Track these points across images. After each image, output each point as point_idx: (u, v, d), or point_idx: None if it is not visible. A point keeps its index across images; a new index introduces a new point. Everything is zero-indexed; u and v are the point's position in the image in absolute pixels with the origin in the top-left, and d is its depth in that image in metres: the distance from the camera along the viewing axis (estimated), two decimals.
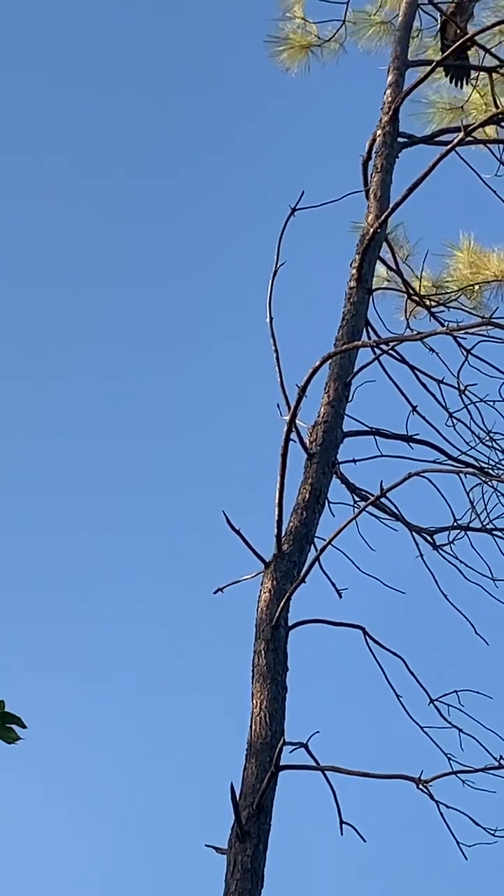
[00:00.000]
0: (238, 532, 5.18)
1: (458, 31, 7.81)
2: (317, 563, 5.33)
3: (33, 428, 12.07)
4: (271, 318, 5.82)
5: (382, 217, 6.52)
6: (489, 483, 5.98)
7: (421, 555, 6.17)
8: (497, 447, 6.48)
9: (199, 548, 10.16)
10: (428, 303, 7.22)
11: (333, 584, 5.65)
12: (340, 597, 5.64)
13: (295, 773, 4.78)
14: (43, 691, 9.84)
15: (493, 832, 5.06)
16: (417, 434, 6.18)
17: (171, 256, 12.61)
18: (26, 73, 13.32)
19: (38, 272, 12.67)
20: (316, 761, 4.77)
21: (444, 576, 6.09)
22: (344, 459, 6.00)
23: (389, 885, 8.37)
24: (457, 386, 6.49)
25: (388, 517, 6.18)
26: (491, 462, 6.42)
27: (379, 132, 7.00)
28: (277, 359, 5.73)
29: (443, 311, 7.23)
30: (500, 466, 6.43)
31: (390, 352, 6.23)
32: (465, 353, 6.46)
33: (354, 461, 6.09)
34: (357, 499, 6.12)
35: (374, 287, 6.52)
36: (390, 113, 7.03)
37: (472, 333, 6.29)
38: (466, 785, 5.16)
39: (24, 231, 12.68)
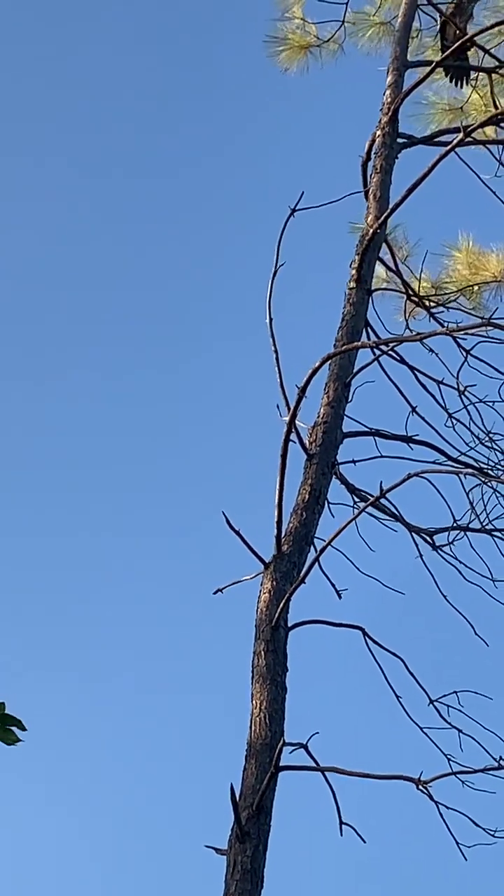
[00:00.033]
0: (238, 533, 5.18)
1: (458, 31, 7.82)
2: (316, 564, 5.34)
3: (33, 428, 12.09)
4: (271, 319, 5.83)
5: (382, 218, 6.52)
6: (489, 484, 5.98)
7: (420, 555, 6.18)
8: (496, 448, 6.48)
9: (199, 548, 10.17)
10: (427, 303, 7.22)
11: (333, 585, 5.66)
12: (340, 597, 5.65)
13: (295, 773, 4.79)
14: (43, 691, 9.85)
15: (492, 833, 5.06)
16: (417, 435, 6.18)
17: (171, 256, 12.63)
18: (26, 73, 13.33)
19: (38, 272, 12.69)
20: (316, 762, 4.77)
21: (443, 576, 6.10)
22: (344, 460, 6.01)
23: (389, 885, 8.38)
24: (456, 387, 6.49)
25: (387, 518, 6.18)
26: (490, 463, 6.43)
27: (378, 133, 7.00)
28: (277, 359, 5.73)
29: (442, 312, 7.23)
30: (499, 467, 6.43)
31: (390, 352, 6.23)
32: (464, 353, 6.46)
33: (354, 462, 6.09)
34: (357, 499, 6.13)
35: (373, 288, 6.53)
36: (390, 113, 7.03)
37: (472, 334, 6.29)
38: (466, 786, 5.16)
39: (24, 231, 12.70)
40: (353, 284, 6.38)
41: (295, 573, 5.30)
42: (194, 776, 9.37)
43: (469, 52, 7.84)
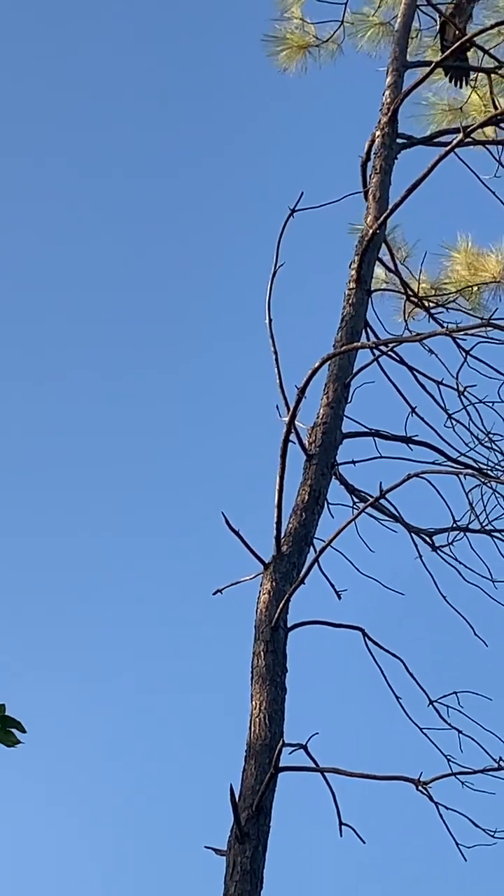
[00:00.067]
0: (237, 533, 5.18)
1: (457, 31, 7.82)
2: (316, 565, 5.34)
3: (33, 428, 12.09)
4: (270, 320, 5.83)
5: (381, 218, 6.52)
6: (488, 484, 5.98)
7: (420, 556, 6.18)
8: (496, 448, 6.48)
9: (199, 548, 10.17)
10: (427, 304, 7.22)
11: (333, 586, 5.66)
12: (340, 598, 5.65)
13: (294, 774, 4.79)
14: (43, 691, 9.86)
15: (492, 834, 5.07)
16: (416, 435, 6.18)
17: (171, 256, 12.63)
18: (26, 73, 13.33)
19: (38, 272, 12.69)
20: (315, 763, 4.77)
21: (443, 577, 6.10)
22: (343, 461, 6.01)
23: (389, 886, 8.38)
24: (456, 387, 6.49)
25: (387, 518, 6.18)
26: (490, 463, 6.43)
27: (378, 133, 7.00)
28: (276, 360, 5.73)
29: (441, 313, 7.22)
30: (499, 468, 6.43)
31: (389, 353, 6.23)
32: (464, 354, 6.46)
33: (354, 462, 6.09)
34: (356, 500, 6.13)
35: (372, 288, 6.52)
36: (389, 114, 7.03)
37: (471, 335, 6.29)
38: (466, 786, 5.16)
39: (24, 231, 12.70)
40: (352, 285, 6.38)
41: (294, 574, 5.30)
42: (194, 776, 9.38)
43: (468, 53, 7.84)
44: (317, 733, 4.76)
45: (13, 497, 11.40)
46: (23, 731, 3.87)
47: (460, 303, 7.49)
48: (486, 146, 7.37)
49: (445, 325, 6.98)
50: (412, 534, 6.21)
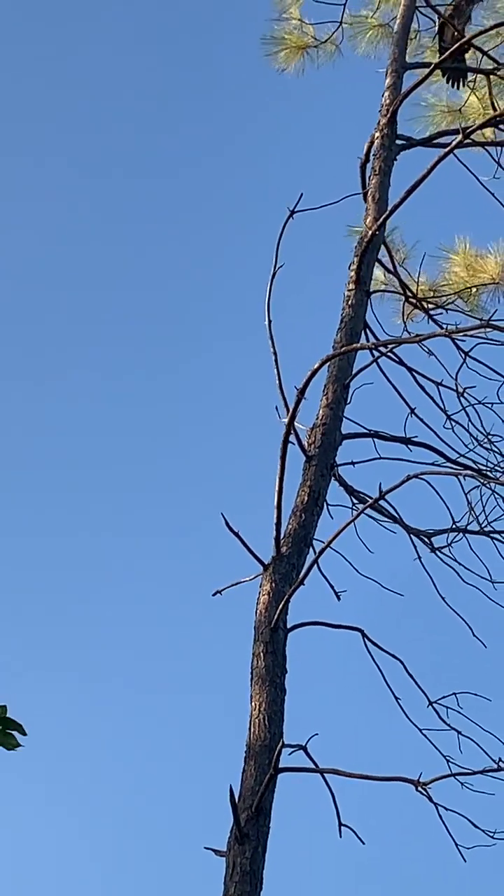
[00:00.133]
0: (237, 534, 5.18)
1: (456, 33, 7.82)
2: (315, 566, 5.34)
3: (33, 428, 12.10)
4: (270, 320, 5.83)
5: (381, 219, 6.52)
6: (487, 485, 5.98)
7: (419, 557, 6.19)
8: (495, 449, 6.49)
9: (199, 548, 10.17)
10: (426, 305, 7.23)
11: (332, 587, 5.66)
12: (339, 599, 5.66)
13: (294, 775, 4.79)
14: (43, 691, 9.86)
15: (491, 834, 5.07)
16: (416, 436, 6.19)
17: (171, 256, 12.64)
18: (26, 73, 13.34)
19: (38, 272, 12.70)
20: (315, 763, 4.78)
21: (442, 578, 6.11)
22: (342, 462, 6.02)
23: (389, 887, 8.38)
24: (455, 388, 6.49)
25: (386, 519, 6.19)
26: (489, 464, 6.43)
27: (377, 134, 7.00)
28: (276, 361, 5.73)
29: (440, 314, 7.23)
30: (498, 469, 6.44)
31: (389, 354, 6.23)
32: (463, 355, 6.46)
33: (353, 463, 6.10)
34: (355, 501, 6.13)
35: (372, 289, 6.53)
36: (388, 115, 7.03)
37: (470, 336, 6.30)
38: (465, 787, 5.16)
39: (24, 231, 12.71)
40: (351, 286, 6.39)
41: (294, 575, 5.31)
42: (194, 777, 9.39)
43: (467, 54, 7.84)
44: (316, 734, 4.78)
45: (13, 497, 11.42)
46: (23, 733, 3.87)
47: (459, 304, 7.50)
48: (486, 147, 7.38)
49: (444, 326, 7.00)
50: (411, 535, 6.22)
